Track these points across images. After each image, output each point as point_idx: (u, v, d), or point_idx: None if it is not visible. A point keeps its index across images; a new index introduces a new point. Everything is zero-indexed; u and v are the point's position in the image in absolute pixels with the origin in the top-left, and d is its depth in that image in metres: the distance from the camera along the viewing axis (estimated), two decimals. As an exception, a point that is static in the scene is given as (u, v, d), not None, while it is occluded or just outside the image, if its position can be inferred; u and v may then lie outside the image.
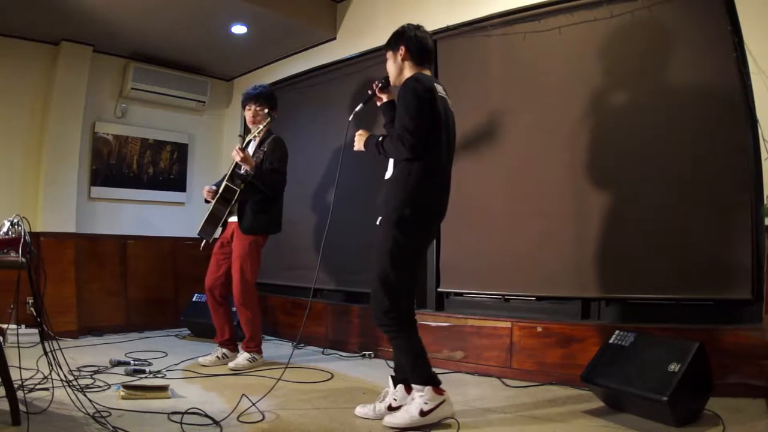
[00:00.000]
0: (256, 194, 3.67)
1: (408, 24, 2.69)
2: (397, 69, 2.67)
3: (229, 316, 3.88)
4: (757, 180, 2.79)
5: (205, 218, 3.76)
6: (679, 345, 2.43)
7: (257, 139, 3.78)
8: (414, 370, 2.50)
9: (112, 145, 5.17)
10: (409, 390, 2.60)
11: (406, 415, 2.43)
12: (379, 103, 2.78)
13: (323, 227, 4.54)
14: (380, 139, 2.61)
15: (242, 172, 3.64)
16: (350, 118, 2.80)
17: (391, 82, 2.73)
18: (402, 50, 2.63)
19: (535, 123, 3.51)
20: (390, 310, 2.48)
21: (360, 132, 2.75)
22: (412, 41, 2.63)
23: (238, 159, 3.51)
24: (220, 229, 3.83)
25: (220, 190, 3.69)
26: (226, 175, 3.76)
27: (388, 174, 2.63)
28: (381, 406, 2.61)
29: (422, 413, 2.41)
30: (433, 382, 2.47)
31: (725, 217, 2.89)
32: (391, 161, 2.61)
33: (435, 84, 2.56)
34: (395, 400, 2.60)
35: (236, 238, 3.72)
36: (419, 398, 2.44)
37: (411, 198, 2.46)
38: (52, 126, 4.68)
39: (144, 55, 5.16)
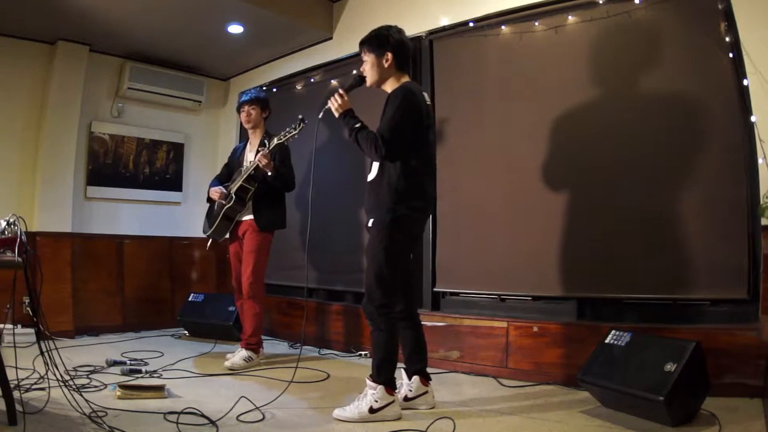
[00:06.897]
0: (264, 192, 3.79)
1: (390, 27, 2.72)
2: (380, 75, 2.71)
3: None
4: (754, 180, 2.80)
5: (219, 219, 3.83)
6: (676, 344, 2.43)
7: (258, 141, 3.88)
8: (379, 366, 2.56)
9: (108, 144, 5.16)
10: (425, 381, 2.71)
11: (356, 410, 2.52)
12: (336, 114, 2.70)
13: (319, 227, 4.54)
14: (357, 125, 2.62)
15: (254, 173, 3.73)
16: (320, 116, 2.80)
17: (368, 84, 2.76)
18: (389, 57, 2.67)
19: (532, 123, 3.51)
20: (383, 305, 2.58)
21: (343, 96, 2.70)
22: (398, 47, 2.68)
23: (262, 164, 3.58)
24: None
25: (234, 190, 3.77)
26: (231, 175, 3.93)
27: (371, 176, 2.68)
28: (398, 398, 2.69)
29: (372, 410, 2.50)
30: (390, 384, 2.55)
31: (722, 217, 2.89)
32: (374, 164, 2.67)
33: (424, 94, 2.67)
34: (410, 390, 2.72)
35: (249, 234, 3.82)
36: (371, 395, 2.53)
37: (404, 198, 2.55)
38: (48, 125, 4.66)
39: (140, 54, 5.15)
